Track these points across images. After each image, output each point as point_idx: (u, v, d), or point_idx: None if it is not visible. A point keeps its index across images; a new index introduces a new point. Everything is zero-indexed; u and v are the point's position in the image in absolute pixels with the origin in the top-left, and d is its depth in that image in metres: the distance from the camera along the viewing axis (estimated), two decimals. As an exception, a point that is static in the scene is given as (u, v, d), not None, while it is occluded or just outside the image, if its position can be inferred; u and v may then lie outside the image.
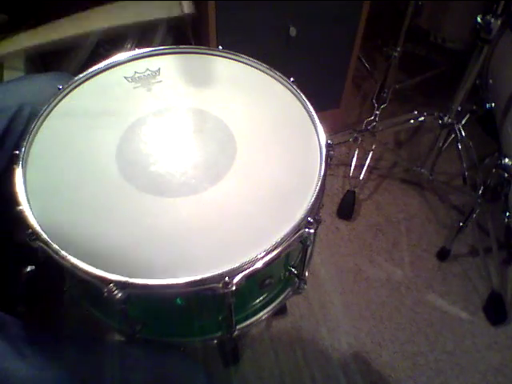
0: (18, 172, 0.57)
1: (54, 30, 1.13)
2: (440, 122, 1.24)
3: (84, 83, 0.71)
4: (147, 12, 1.21)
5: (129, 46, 1.24)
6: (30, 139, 0.61)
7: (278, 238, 0.53)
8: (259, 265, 0.52)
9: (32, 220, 0.53)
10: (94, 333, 0.66)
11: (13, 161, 0.58)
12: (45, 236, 0.51)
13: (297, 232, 0.55)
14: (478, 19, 0.97)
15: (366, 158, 1.40)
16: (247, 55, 0.75)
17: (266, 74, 0.74)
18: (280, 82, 0.72)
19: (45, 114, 0.65)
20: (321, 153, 0.62)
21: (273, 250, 0.52)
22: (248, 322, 0.67)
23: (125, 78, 0.72)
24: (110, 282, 0.49)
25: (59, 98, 0.68)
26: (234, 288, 0.50)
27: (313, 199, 0.56)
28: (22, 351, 0.54)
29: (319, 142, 0.63)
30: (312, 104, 0.68)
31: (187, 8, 1.20)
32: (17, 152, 0.59)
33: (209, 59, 0.76)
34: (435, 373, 1.07)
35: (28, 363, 0.53)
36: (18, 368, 0.52)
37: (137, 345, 0.62)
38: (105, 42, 1.21)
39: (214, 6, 1.04)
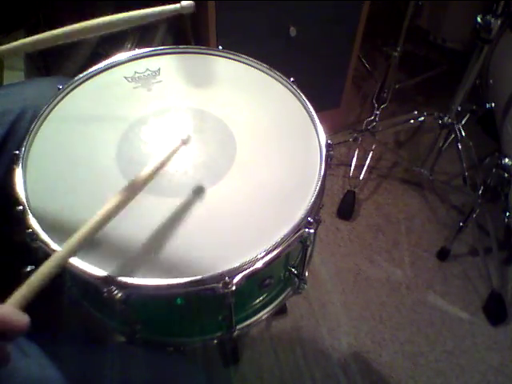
0: (18, 172, 0.57)
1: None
2: (440, 121, 1.24)
3: (84, 83, 0.71)
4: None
5: (129, 45, 1.24)
6: (30, 139, 0.61)
7: (277, 238, 0.53)
8: (259, 265, 0.52)
9: (32, 220, 0.53)
10: (94, 333, 0.66)
11: (13, 161, 0.58)
12: (45, 236, 0.51)
13: (297, 232, 0.55)
14: (478, 19, 0.97)
15: (366, 158, 1.40)
16: (247, 55, 0.75)
17: (266, 74, 0.74)
18: (280, 81, 0.72)
19: (45, 114, 0.65)
20: (321, 153, 0.62)
21: (273, 250, 0.52)
22: (248, 322, 0.67)
23: (125, 78, 0.72)
24: (110, 282, 0.49)
25: (59, 98, 0.68)
26: (233, 288, 0.50)
27: (313, 199, 0.56)
28: (25, 351, 0.54)
29: (319, 142, 0.63)
30: (312, 104, 0.68)
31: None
32: (17, 152, 0.59)
33: (209, 59, 0.76)
34: (435, 373, 1.07)
35: (31, 363, 0.53)
36: (23, 367, 0.52)
37: (137, 345, 0.62)
38: (105, 42, 1.21)
39: (213, 5, 1.04)
